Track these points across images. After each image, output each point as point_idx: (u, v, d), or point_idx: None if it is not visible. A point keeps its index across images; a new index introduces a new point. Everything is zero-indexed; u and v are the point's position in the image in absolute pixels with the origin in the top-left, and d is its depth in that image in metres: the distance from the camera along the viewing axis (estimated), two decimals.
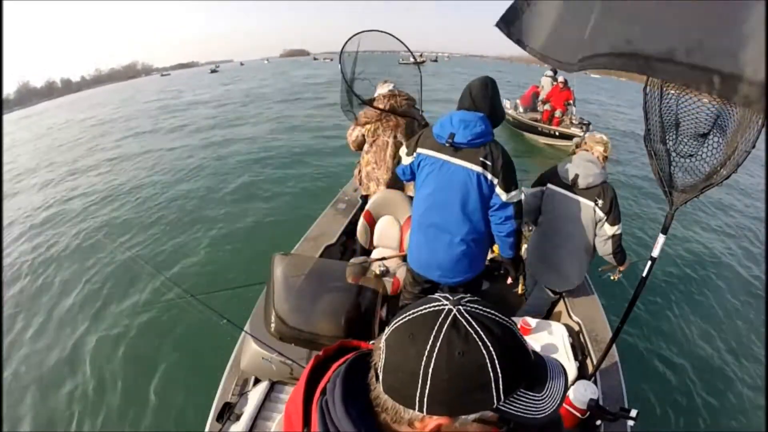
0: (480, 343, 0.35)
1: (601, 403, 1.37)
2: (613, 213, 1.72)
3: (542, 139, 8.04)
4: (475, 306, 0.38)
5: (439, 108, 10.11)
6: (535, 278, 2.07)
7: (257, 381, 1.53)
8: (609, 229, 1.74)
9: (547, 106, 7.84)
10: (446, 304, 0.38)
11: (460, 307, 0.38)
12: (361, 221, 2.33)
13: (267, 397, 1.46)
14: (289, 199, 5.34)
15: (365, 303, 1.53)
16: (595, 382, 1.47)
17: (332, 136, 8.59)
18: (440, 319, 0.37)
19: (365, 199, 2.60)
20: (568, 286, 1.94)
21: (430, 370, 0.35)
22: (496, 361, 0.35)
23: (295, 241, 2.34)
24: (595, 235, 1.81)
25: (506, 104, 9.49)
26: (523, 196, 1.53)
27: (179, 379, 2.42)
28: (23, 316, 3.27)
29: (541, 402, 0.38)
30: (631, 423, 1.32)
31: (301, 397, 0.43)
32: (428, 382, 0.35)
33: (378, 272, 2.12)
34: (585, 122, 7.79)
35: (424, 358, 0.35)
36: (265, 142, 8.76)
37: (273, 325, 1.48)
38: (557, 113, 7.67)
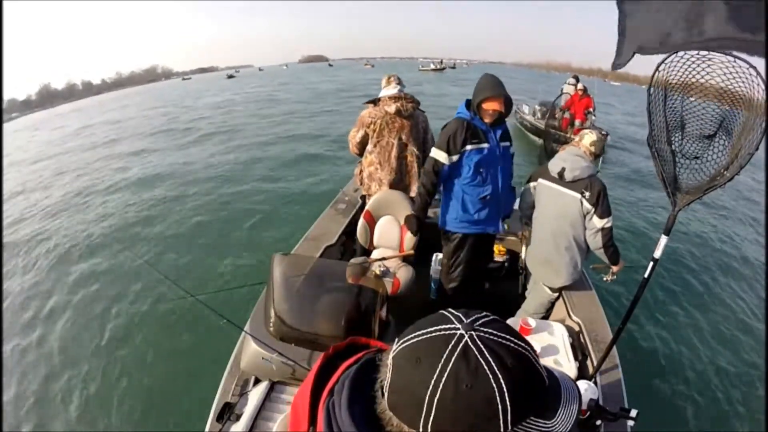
0: (490, 376, 0.33)
1: (601, 403, 1.37)
2: (601, 206, 1.72)
3: (557, 147, 7.87)
4: (489, 331, 0.36)
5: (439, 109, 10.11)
6: (533, 276, 2.08)
7: (257, 381, 1.53)
8: (598, 222, 1.74)
9: (566, 114, 7.56)
10: (458, 329, 0.36)
11: (472, 332, 0.36)
12: (361, 221, 2.33)
13: (267, 397, 1.45)
14: (289, 200, 5.34)
15: (365, 303, 1.53)
16: (595, 382, 1.47)
17: (335, 140, 8.59)
18: (450, 347, 0.35)
19: (365, 199, 2.59)
20: (562, 282, 1.93)
21: (435, 400, 0.34)
22: (506, 394, 0.33)
23: (295, 241, 2.34)
24: (585, 228, 1.81)
25: (524, 109, 9.34)
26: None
27: (179, 379, 2.41)
28: (23, 316, 3.26)
29: (551, 428, 0.37)
30: (631, 423, 1.32)
31: (309, 394, 0.43)
32: (433, 411, 0.34)
33: (378, 272, 2.11)
34: (603, 133, 7.48)
35: (430, 387, 0.34)
36: (265, 144, 8.75)
37: (273, 325, 1.48)
38: (576, 123, 7.37)
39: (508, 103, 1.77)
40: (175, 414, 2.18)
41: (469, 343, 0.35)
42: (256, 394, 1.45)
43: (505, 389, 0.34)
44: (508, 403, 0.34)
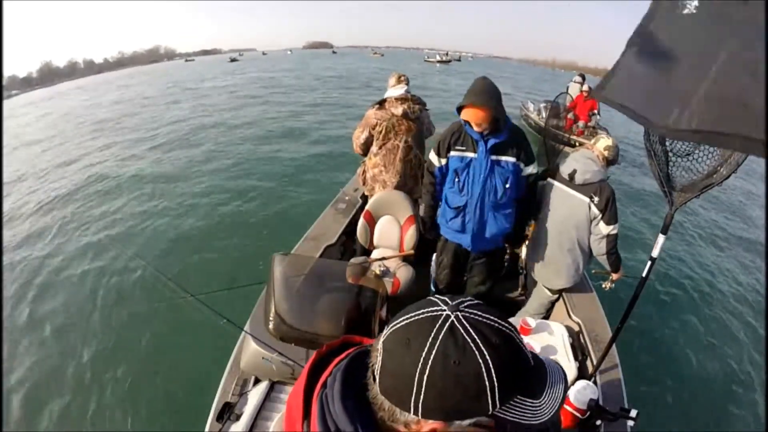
0: (476, 352, 0.35)
1: (601, 403, 1.37)
2: (608, 212, 1.71)
3: (558, 147, 7.82)
4: (474, 311, 0.38)
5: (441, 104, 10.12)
6: (534, 276, 2.08)
7: (257, 381, 1.54)
8: (604, 228, 1.73)
9: (570, 115, 7.30)
10: (444, 310, 0.38)
11: (458, 313, 0.37)
12: (361, 221, 2.33)
13: (267, 397, 1.46)
14: (289, 199, 5.34)
15: (365, 303, 1.53)
16: (595, 382, 1.47)
17: (335, 139, 8.60)
18: (437, 326, 0.36)
19: (365, 199, 2.59)
20: (563, 284, 1.93)
21: (425, 378, 0.35)
22: (493, 371, 0.35)
23: (295, 241, 2.34)
24: (590, 233, 1.80)
25: (530, 107, 9.36)
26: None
27: (179, 379, 2.42)
28: (23, 316, 3.27)
29: (538, 408, 0.38)
30: (631, 423, 1.32)
31: (302, 390, 0.44)
32: (423, 389, 0.35)
33: (378, 272, 2.12)
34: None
35: (419, 366, 0.35)
36: (266, 142, 8.75)
37: (273, 325, 1.48)
38: (580, 124, 7.28)
39: (495, 114, 1.57)
40: (176, 414, 2.19)
41: (455, 323, 0.36)
42: (255, 394, 1.45)
43: (491, 365, 0.35)
44: (495, 379, 0.35)
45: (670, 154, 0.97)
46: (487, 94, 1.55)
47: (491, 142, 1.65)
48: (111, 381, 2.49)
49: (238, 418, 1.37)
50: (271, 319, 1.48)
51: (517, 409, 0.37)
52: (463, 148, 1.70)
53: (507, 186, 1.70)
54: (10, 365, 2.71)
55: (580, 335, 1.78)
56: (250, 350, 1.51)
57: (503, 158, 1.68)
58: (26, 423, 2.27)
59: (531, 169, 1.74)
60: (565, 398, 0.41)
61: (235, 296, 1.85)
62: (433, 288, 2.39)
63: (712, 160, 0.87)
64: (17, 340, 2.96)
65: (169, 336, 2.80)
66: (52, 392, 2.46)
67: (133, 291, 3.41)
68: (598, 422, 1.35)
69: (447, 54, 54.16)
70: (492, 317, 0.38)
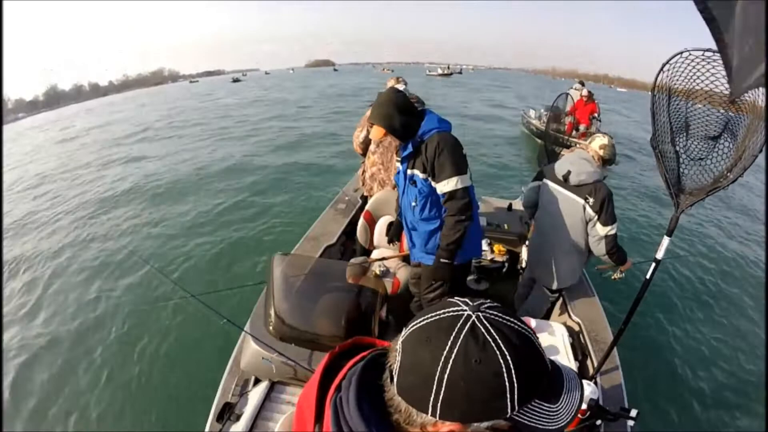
0: (498, 352, 0.34)
1: (601, 403, 1.37)
2: (605, 213, 1.67)
3: (558, 150, 7.83)
4: (495, 313, 0.38)
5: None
6: (533, 276, 2.07)
7: (257, 381, 1.53)
8: (601, 230, 1.70)
9: (570, 119, 7.20)
10: (465, 310, 0.37)
11: (479, 313, 0.37)
12: (361, 221, 2.32)
13: (267, 398, 1.46)
14: (289, 200, 5.33)
15: (365, 303, 1.53)
16: (595, 383, 1.47)
17: (335, 141, 8.56)
18: (458, 325, 0.36)
19: (365, 199, 2.59)
20: (561, 284, 1.92)
21: (446, 376, 0.34)
22: (513, 371, 0.34)
23: (295, 241, 2.33)
24: (587, 234, 1.77)
25: (531, 114, 9.45)
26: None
27: (179, 379, 2.41)
28: (21, 316, 3.25)
29: (555, 414, 0.38)
30: (631, 423, 1.32)
31: (315, 394, 0.43)
32: (443, 388, 0.34)
33: (378, 272, 2.12)
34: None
35: (440, 364, 0.35)
36: (267, 143, 8.73)
37: (273, 325, 1.48)
38: (581, 128, 7.29)
39: (389, 129, 1.46)
40: (176, 413, 2.18)
41: (476, 322, 0.36)
42: (256, 394, 1.45)
43: (512, 365, 0.34)
44: (515, 379, 0.34)
45: (683, 156, 0.96)
46: (379, 109, 1.47)
47: (402, 154, 1.55)
48: (111, 380, 2.48)
49: (238, 418, 1.36)
50: (271, 319, 1.48)
51: (534, 413, 0.37)
52: (399, 159, 1.63)
53: (414, 204, 1.56)
54: (11, 361, 2.70)
55: (580, 335, 1.78)
56: (250, 350, 1.50)
57: (416, 172, 1.52)
58: (25, 422, 2.26)
59: (443, 186, 1.44)
60: (581, 406, 0.40)
61: (235, 296, 1.84)
62: None
63: (724, 164, 0.87)
64: (14, 339, 2.95)
65: (170, 336, 2.78)
66: (48, 391, 2.45)
67: (134, 291, 3.39)
68: (598, 422, 1.35)
69: (448, 67, 54.14)
70: (512, 319, 0.38)
